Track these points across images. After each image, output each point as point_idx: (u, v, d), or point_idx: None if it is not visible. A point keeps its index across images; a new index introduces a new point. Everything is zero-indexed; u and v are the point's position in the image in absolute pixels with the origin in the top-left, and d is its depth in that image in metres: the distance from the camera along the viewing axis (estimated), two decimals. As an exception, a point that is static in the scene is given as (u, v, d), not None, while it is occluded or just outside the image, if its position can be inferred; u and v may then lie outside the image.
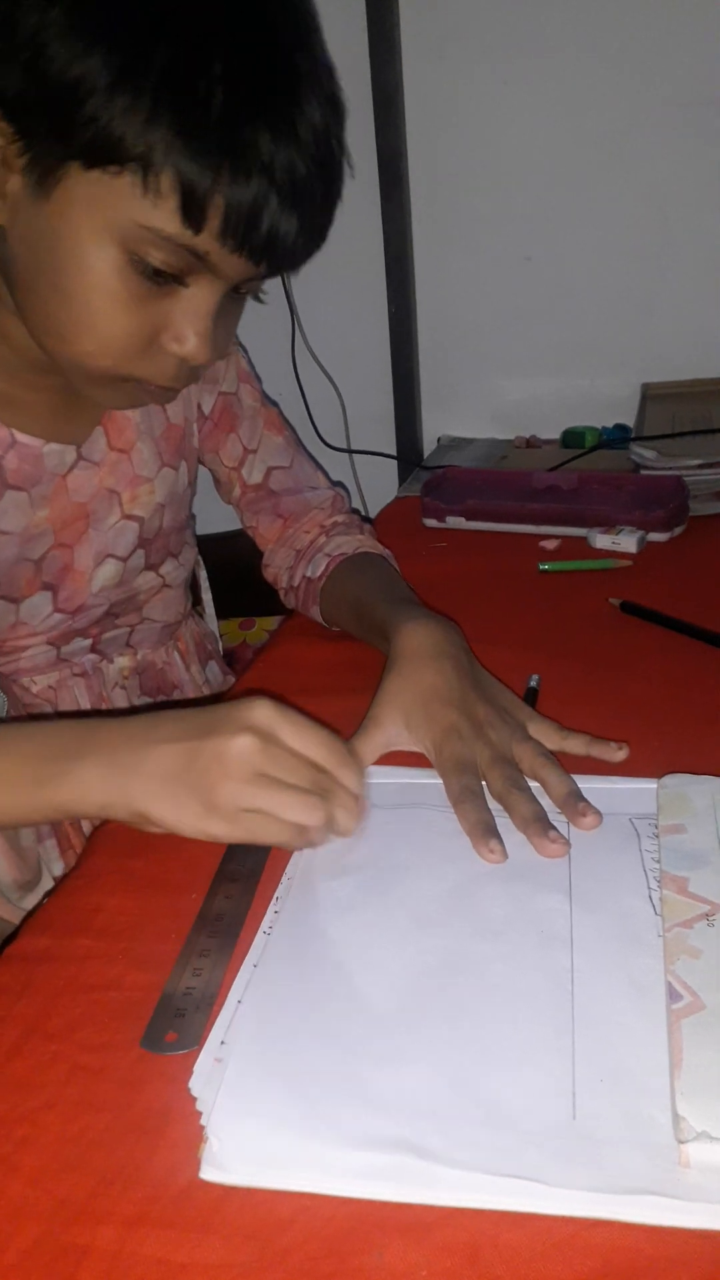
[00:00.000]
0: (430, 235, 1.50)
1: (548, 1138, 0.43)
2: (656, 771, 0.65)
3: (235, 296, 0.68)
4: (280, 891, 0.58)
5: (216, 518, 1.09)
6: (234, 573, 1.06)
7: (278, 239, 0.62)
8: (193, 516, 0.97)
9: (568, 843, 0.60)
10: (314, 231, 0.64)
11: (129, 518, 0.85)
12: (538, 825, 0.60)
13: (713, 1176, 0.40)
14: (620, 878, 0.58)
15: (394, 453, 1.58)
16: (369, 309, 1.54)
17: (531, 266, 1.49)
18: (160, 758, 0.56)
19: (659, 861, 0.58)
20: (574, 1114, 0.44)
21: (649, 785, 0.65)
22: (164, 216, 0.60)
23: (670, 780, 0.64)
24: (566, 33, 1.37)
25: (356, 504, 1.63)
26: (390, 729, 0.69)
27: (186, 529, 0.94)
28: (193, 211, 0.59)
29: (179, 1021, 0.49)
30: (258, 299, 0.71)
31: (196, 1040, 0.48)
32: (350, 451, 1.61)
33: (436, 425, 1.59)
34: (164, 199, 0.59)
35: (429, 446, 1.58)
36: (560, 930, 0.54)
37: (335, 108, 0.64)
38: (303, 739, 0.58)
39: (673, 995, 0.48)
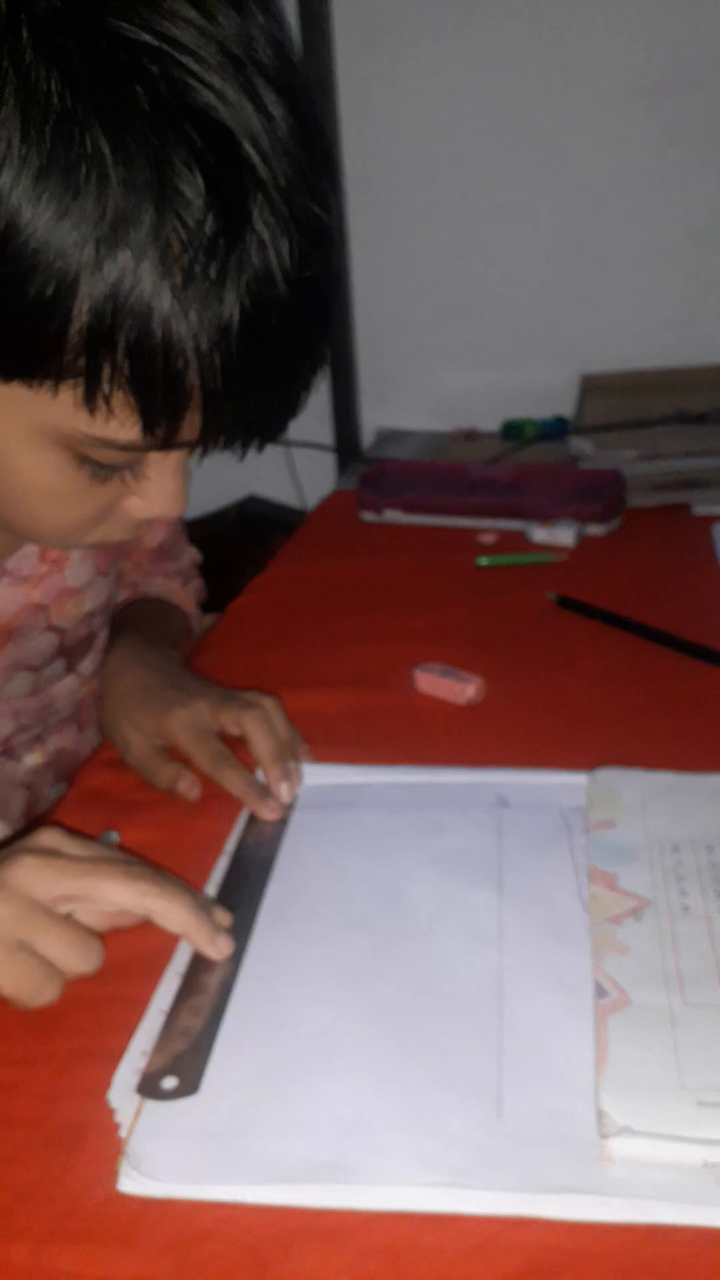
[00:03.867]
0: (366, 225, 1.50)
1: (472, 1139, 0.43)
2: (588, 765, 0.66)
3: None
4: (206, 893, 0.58)
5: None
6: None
7: (269, 414, 0.50)
8: None
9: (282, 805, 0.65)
10: (307, 386, 0.52)
11: (52, 629, 0.77)
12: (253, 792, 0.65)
13: (634, 1171, 0.41)
14: (550, 873, 0.59)
15: (331, 445, 1.58)
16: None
17: (469, 257, 1.50)
18: None
19: (588, 857, 0.59)
20: (499, 1113, 0.45)
21: (580, 779, 0.66)
22: (120, 430, 0.48)
23: (601, 774, 0.65)
24: (501, 21, 1.38)
25: (293, 498, 1.63)
26: (137, 741, 0.70)
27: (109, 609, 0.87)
28: (158, 424, 0.47)
29: (178, 1065, 0.47)
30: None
31: (197, 1086, 0.46)
32: (287, 444, 1.61)
33: (375, 417, 1.60)
34: (117, 415, 0.47)
35: (367, 439, 1.59)
36: (489, 927, 0.55)
37: (317, 229, 0.47)
38: (67, 883, 0.51)
39: (600, 991, 0.49)
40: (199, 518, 1.64)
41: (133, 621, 0.85)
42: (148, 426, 0.47)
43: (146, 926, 0.54)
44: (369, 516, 1.17)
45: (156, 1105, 0.45)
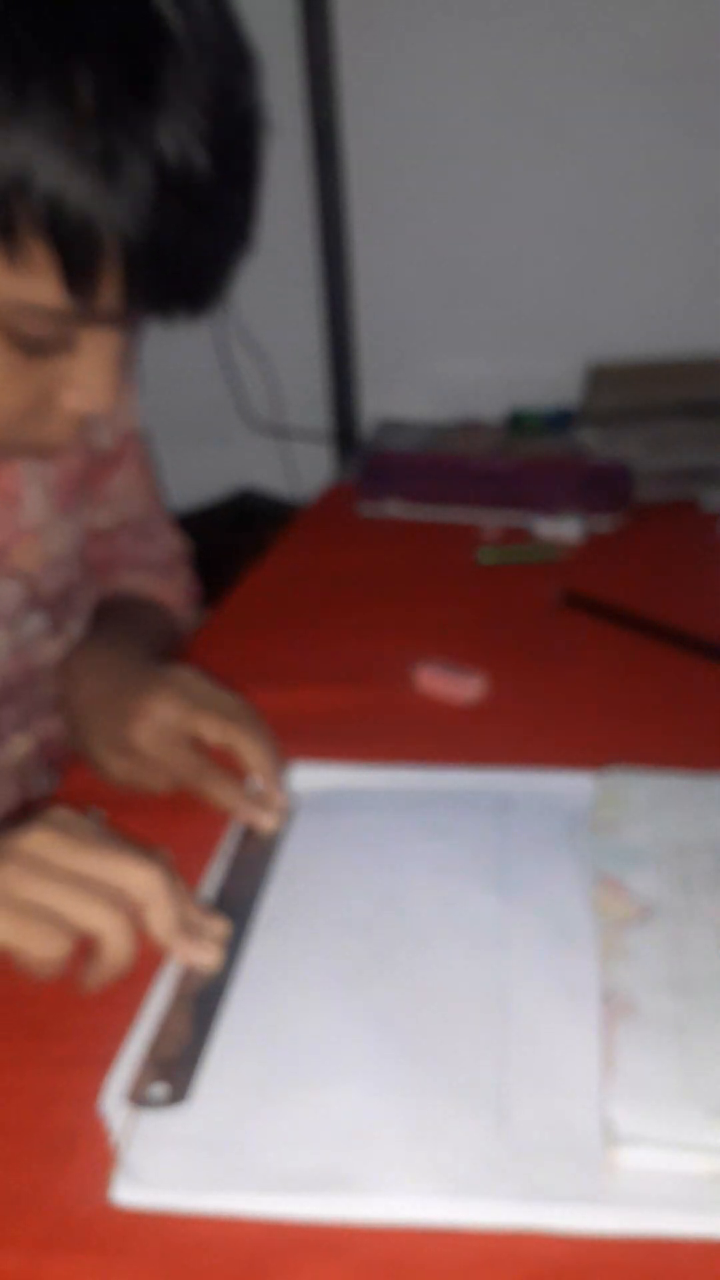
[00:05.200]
0: (368, 206, 1.50)
1: (475, 1148, 0.43)
2: (595, 766, 0.66)
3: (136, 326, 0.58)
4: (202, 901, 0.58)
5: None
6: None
7: (195, 270, 0.51)
8: None
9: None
10: (235, 243, 0.53)
11: (15, 576, 0.75)
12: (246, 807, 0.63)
13: (641, 1181, 0.41)
14: (555, 877, 0.58)
15: (329, 435, 1.58)
16: (301, 278, 1.53)
17: (472, 243, 1.49)
18: None
19: (595, 860, 0.59)
20: (502, 1123, 0.44)
21: (586, 780, 0.66)
22: (41, 289, 0.48)
23: (608, 775, 0.65)
24: (505, 3, 1.38)
25: (291, 490, 1.63)
26: (112, 762, 0.67)
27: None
28: (79, 280, 0.48)
29: (168, 1072, 0.47)
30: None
31: (186, 1093, 0.46)
32: (282, 435, 1.60)
33: (375, 406, 1.60)
34: (37, 270, 0.48)
35: (367, 429, 1.58)
36: (492, 932, 0.55)
37: (237, 68, 0.50)
38: (82, 858, 0.51)
39: (606, 997, 0.49)
40: (194, 510, 1.63)
41: (97, 623, 0.81)
42: (70, 285, 0.48)
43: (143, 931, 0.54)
44: (368, 509, 1.17)
45: (151, 1113, 0.45)
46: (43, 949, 0.49)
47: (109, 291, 0.49)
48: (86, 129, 0.44)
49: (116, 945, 0.50)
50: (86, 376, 0.55)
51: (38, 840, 0.51)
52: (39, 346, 0.52)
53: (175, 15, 0.47)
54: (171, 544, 0.94)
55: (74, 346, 0.54)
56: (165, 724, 0.65)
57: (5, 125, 0.44)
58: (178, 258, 0.49)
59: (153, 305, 0.51)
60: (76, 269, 0.47)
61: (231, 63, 0.49)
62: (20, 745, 0.79)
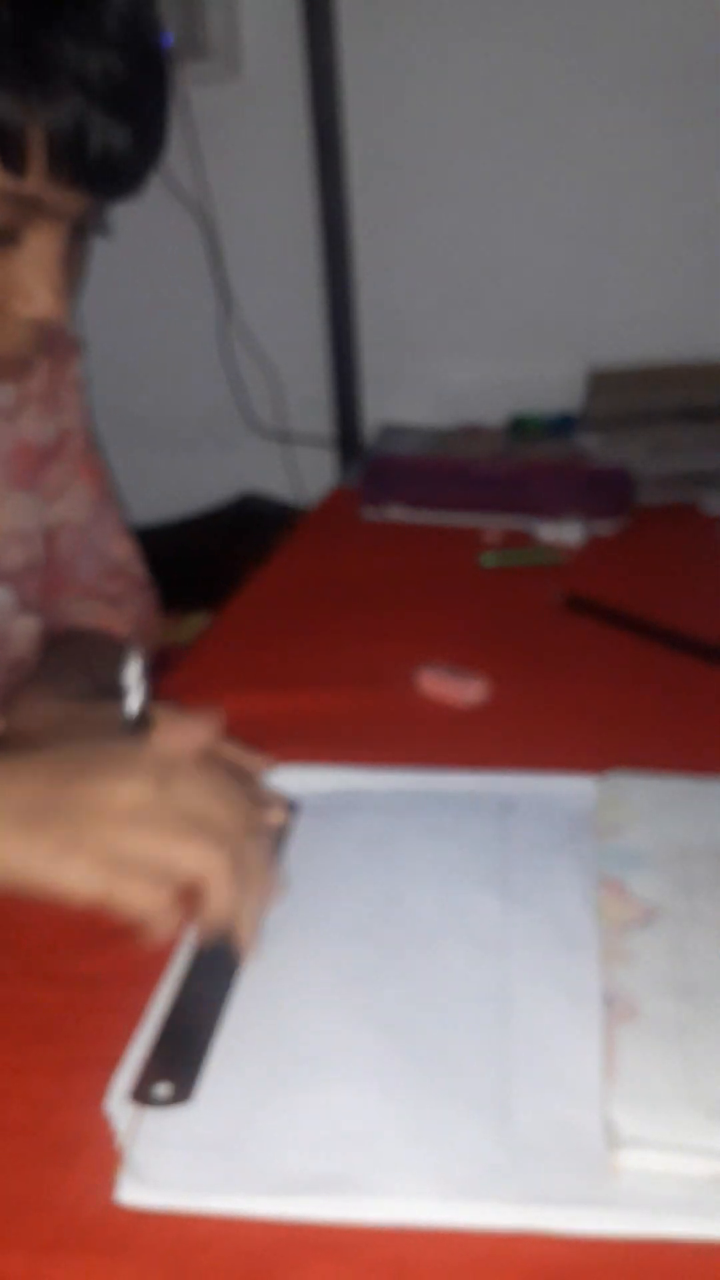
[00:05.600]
0: (370, 216, 1.50)
1: (478, 1150, 0.44)
2: (597, 769, 0.67)
3: (78, 235, 0.63)
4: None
5: (137, 508, 1.08)
6: (159, 568, 1.06)
7: (113, 157, 0.57)
8: None
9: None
10: (150, 139, 0.59)
11: None
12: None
13: (643, 1183, 0.42)
14: (557, 880, 0.59)
15: (332, 439, 1.58)
16: (303, 284, 1.54)
17: (474, 248, 1.50)
18: (18, 793, 0.51)
19: (597, 863, 0.59)
20: (505, 1125, 0.45)
21: (589, 783, 0.66)
22: None
23: (610, 779, 0.65)
24: (507, 8, 1.38)
25: (293, 495, 1.63)
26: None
27: None
28: (9, 155, 0.55)
29: (172, 1071, 0.48)
30: (103, 234, 0.65)
31: (190, 1093, 0.47)
32: (285, 439, 1.61)
33: (377, 410, 1.60)
34: None
35: (370, 434, 1.59)
36: (495, 935, 0.55)
37: None
38: (204, 790, 0.53)
39: (608, 1001, 0.50)
40: (197, 515, 1.64)
41: (48, 665, 0.78)
42: (3, 157, 0.54)
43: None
44: (371, 513, 1.17)
45: (156, 1114, 0.45)
46: (144, 900, 0.50)
47: (36, 170, 0.55)
48: (4, 33, 0.52)
49: (219, 890, 0.51)
50: (34, 279, 0.60)
51: (132, 791, 0.51)
52: None
53: None
54: (123, 561, 0.91)
55: (18, 242, 0.59)
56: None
57: None
58: (95, 148, 0.56)
59: (76, 188, 0.57)
60: (5, 149, 0.54)
61: None
62: None
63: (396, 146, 1.47)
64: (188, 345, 1.58)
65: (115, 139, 0.56)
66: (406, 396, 1.58)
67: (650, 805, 0.63)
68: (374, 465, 1.24)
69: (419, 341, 1.56)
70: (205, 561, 1.04)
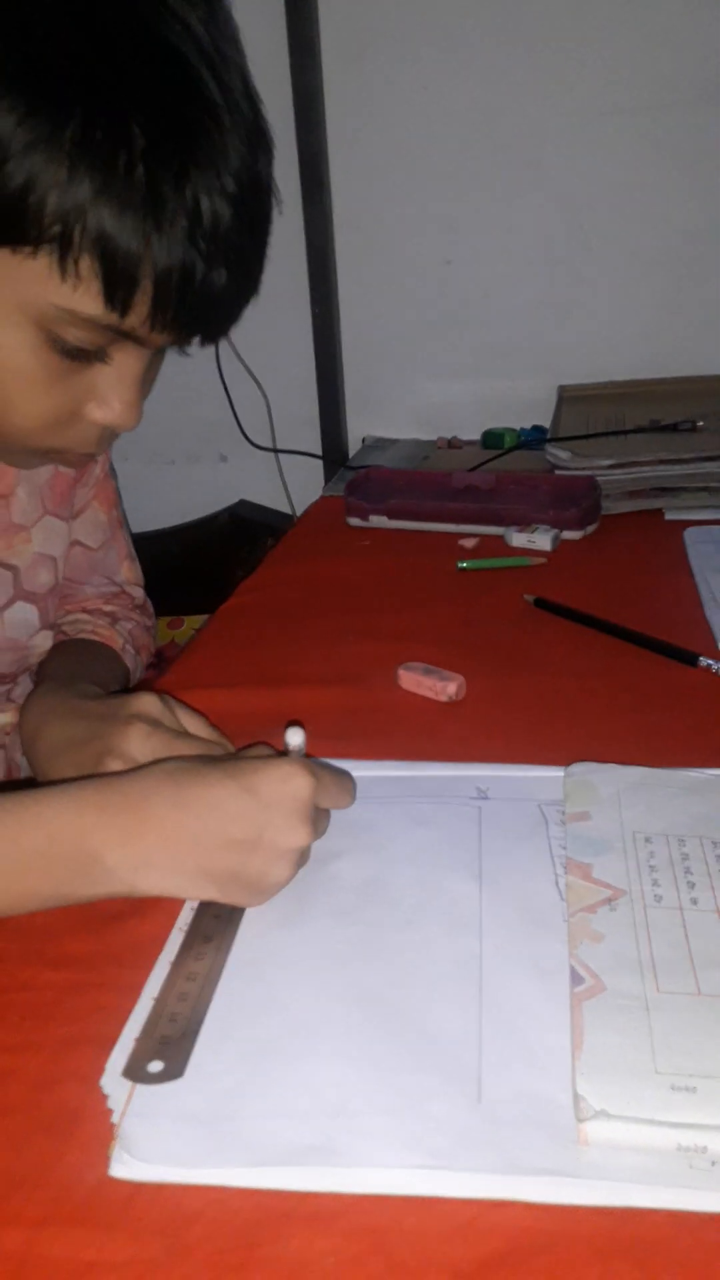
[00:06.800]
0: (352, 239, 1.50)
1: (453, 1122, 0.43)
2: (565, 760, 0.66)
3: (159, 354, 0.62)
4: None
5: (142, 516, 1.07)
6: (161, 571, 1.05)
7: (211, 305, 0.56)
8: None
9: None
10: (246, 287, 0.58)
11: (3, 566, 0.75)
12: None
13: (610, 1154, 0.41)
14: (528, 863, 0.58)
15: (319, 453, 1.58)
16: (293, 311, 1.53)
17: (452, 270, 1.49)
18: (211, 859, 0.53)
19: (565, 848, 0.58)
20: (479, 1098, 0.44)
21: (557, 773, 0.65)
22: (85, 300, 0.53)
23: (577, 768, 0.65)
24: (486, 39, 1.37)
25: (283, 504, 1.63)
26: None
27: None
28: (117, 295, 0.53)
29: (164, 1049, 0.46)
30: (183, 353, 0.62)
31: (182, 1070, 0.45)
32: (276, 451, 1.60)
33: (361, 426, 1.59)
34: (84, 282, 0.52)
35: (354, 447, 1.58)
36: (469, 916, 0.54)
37: (261, 142, 0.56)
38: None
39: (575, 978, 0.49)
40: (193, 522, 1.63)
41: (51, 667, 0.79)
42: (108, 298, 0.52)
43: (139, 914, 0.53)
44: (355, 522, 1.16)
45: (147, 1090, 0.44)
46: (247, 903, 0.55)
47: (139, 311, 0.54)
48: (137, 177, 0.50)
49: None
50: (112, 390, 0.59)
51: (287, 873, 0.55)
52: (76, 354, 0.56)
53: (214, 88, 0.52)
54: (126, 584, 0.91)
55: (106, 360, 0.58)
56: (139, 762, 0.60)
57: (73, 168, 0.49)
58: (198, 291, 0.54)
59: (173, 328, 0.56)
60: (115, 287, 0.52)
61: (255, 135, 0.55)
62: (4, 718, 0.79)
63: (376, 175, 1.46)
64: (191, 368, 1.57)
65: (216, 288, 0.55)
66: (388, 413, 1.57)
67: (614, 793, 0.62)
68: (358, 477, 1.23)
69: (399, 362, 1.55)
70: (202, 565, 1.03)
